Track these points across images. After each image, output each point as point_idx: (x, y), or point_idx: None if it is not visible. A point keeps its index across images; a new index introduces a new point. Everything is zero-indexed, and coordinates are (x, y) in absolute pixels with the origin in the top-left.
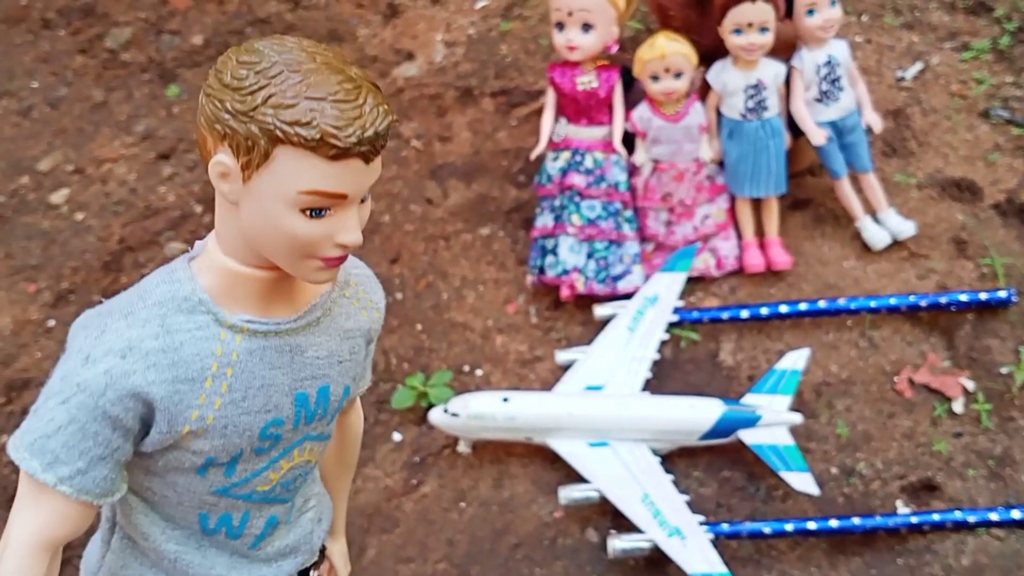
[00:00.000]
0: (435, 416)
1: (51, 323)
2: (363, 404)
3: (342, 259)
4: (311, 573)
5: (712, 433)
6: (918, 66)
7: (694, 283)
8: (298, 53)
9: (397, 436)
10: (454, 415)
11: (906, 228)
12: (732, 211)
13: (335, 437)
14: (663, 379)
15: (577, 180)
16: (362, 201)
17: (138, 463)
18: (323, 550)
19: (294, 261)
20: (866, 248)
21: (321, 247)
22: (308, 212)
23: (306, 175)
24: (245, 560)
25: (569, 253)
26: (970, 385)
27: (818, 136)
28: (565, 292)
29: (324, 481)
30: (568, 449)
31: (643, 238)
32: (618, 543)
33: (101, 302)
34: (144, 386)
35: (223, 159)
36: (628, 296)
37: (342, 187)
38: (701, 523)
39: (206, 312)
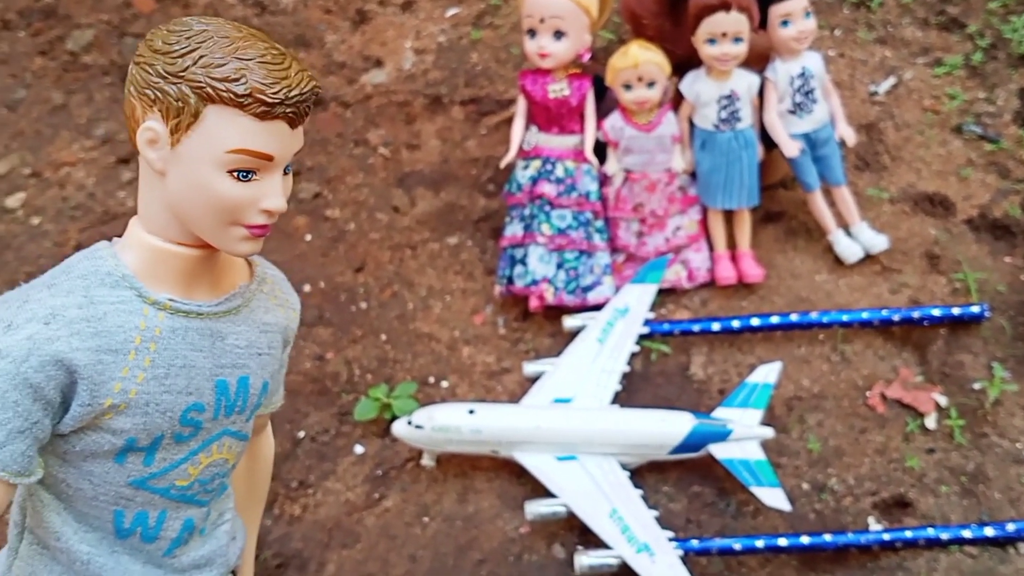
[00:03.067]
0: (399, 428)
1: None
2: (325, 414)
3: (266, 229)
4: None
5: (682, 447)
6: (891, 81)
7: (665, 295)
8: (225, 25)
9: (359, 448)
10: (418, 427)
11: (879, 242)
12: (704, 223)
13: (246, 463)
14: (633, 392)
15: (547, 189)
16: (286, 173)
17: (55, 449)
18: None
19: (220, 229)
20: (838, 262)
21: (246, 212)
22: (235, 174)
23: (234, 134)
24: (159, 570)
25: (539, 263)
26: (943, 401)
27: (791, 148)
28: (534, 303)
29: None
30: (535, 463)
31: (614, 249)
32: (585, 559)
33: None
34: (68, 352)
35: (152, 124)
36: (598, 307)
37: (268, 148)
38: (670, 539)
39: (129, 287)
